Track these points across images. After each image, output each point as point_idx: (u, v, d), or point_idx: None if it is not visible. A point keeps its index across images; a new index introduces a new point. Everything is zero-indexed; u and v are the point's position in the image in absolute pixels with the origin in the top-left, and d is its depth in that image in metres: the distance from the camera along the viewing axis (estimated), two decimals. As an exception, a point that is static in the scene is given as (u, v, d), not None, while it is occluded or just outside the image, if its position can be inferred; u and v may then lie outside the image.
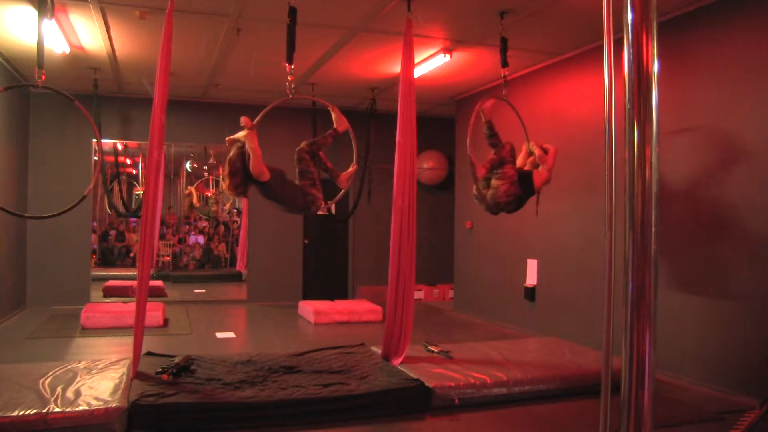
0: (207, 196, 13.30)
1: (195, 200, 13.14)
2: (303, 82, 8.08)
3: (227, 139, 4.71)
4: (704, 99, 5.15)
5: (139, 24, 5.88)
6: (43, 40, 4.86)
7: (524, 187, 5.25)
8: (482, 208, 5.44)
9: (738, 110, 4.87)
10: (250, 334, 7.66)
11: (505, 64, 5.64)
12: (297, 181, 4.97)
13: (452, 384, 4.49)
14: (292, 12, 4.86)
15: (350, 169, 5.30)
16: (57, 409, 3.63)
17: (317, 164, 5.08)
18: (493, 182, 5.25)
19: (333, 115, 5.21)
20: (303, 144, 5.05)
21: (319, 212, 5.21)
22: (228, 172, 4.65)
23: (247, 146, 4.61)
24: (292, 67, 4.89)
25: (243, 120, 4.68)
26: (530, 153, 5.59)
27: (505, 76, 5.68)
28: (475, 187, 5.39)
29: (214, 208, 13.32)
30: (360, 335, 6.88)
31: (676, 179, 5.36)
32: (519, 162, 5.56)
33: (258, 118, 4.76)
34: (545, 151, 5.40)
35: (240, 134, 4.67)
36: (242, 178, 4.68)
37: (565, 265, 6.82)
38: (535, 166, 5.45)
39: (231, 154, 4.67)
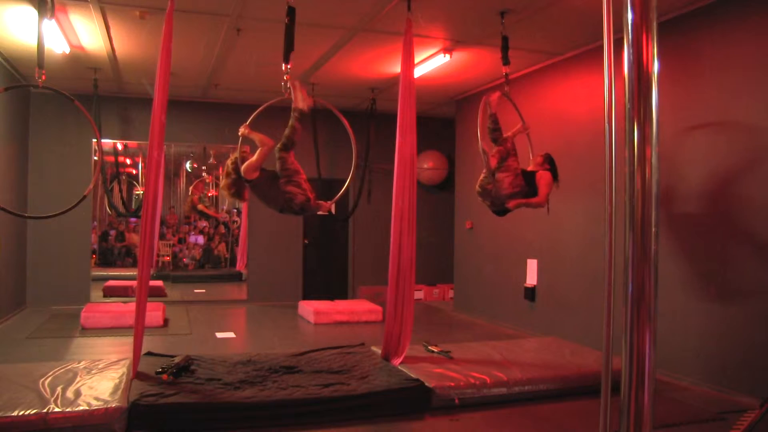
0: (206, 195, 13.34)
1: (202, 206, 13.21)
2: (303, 82, 8.07)
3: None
4: (706, 99, 5.15)
5: (139, 24, 5.88)
6: (43, 40, 4.85)
7: (529, 182, 5.29)
8: (486, 204, 5.43)
9: (740, 110, 4.87)
10: (250, 334, 7.66)
11: (506, 62, 5.63)
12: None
13: (452, 384, 4.49)
14: (291, 12, 4.85)
15: (328, 202, 5.07)
16: (57, 409, 3.63)
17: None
18: (498, 176, 5.29)
19: (294, 93, 4.78)
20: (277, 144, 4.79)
21: (319, 212, 5.13)
22: (225, 173, 4.92)
23: (257, 153, 4.69)
24: (289, 66, 4.88)
25: (240, 129, 4.78)
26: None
27: (506, 74, 5.67)
28: (478, 184, 5.39)
29: (212, 210, 13.35)
30: (360, 335, 6.88)
31: (677, 178, 5.35)
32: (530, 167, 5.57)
33: (251, 118, 4.81)
34: (545, 160, 5.45)
35: (249, 135, 4.76)
36: (235, 179, 4.82)
37: (565, 265, 6.82)
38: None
39: (230, 157, 4.88)
